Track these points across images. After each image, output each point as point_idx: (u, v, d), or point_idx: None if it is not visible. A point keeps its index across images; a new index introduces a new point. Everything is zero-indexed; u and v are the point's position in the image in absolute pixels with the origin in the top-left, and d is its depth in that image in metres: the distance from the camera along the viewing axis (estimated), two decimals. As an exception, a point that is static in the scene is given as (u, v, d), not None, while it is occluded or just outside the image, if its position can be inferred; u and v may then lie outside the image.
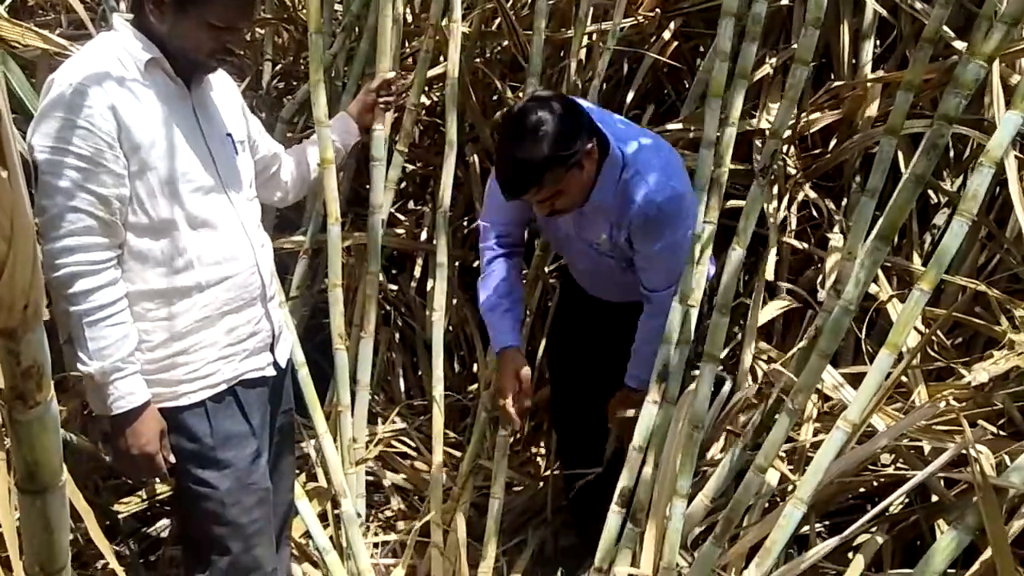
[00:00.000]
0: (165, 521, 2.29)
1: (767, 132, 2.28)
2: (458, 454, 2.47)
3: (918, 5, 2.34)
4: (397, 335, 2.89)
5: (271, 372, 1.74)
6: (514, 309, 2.06)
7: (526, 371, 2.01)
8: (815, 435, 1.84)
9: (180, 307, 1.57)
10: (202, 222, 1.58)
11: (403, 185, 3.15)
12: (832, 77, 2.51)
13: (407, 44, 2.86)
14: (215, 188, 1.61)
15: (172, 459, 1.57)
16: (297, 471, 2.21)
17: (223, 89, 1.75)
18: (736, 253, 1.74)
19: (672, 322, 1.79)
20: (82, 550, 2.05)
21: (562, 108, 1.74)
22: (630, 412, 1.92)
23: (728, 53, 1.80)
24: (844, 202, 2.43)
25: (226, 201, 1.64)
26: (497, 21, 2.86)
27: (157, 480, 2.17)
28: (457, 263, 2.90)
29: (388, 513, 2.37)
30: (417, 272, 2.93)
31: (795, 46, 2.40)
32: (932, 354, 1.96)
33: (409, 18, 2.90)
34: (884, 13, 2.44)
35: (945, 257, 1.46)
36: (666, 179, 1.83)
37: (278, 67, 3.03)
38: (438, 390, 2.29)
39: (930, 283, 1.47)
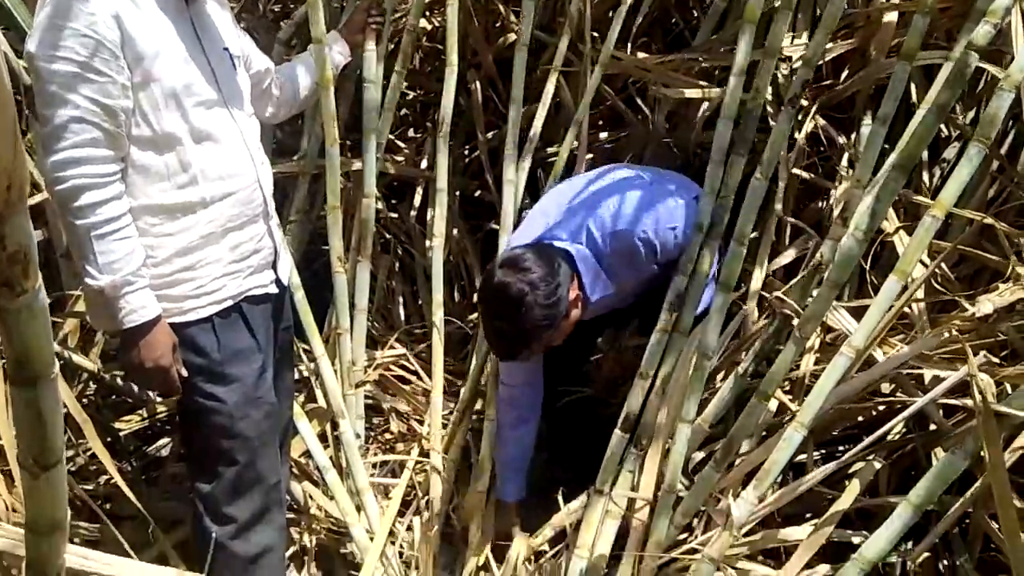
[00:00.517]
0: (166, 439, 2.30)
1: (792, 60, 2.23)
2: (457, 381, 2.47)
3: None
4: (397, 263, 2.87)
5: (274, 289, 1.74)
6: (522, 469, 2.07)
7: (515, 530, 2.00)
8: (816, 365, 1.83)
9: (185, 223, 1.55)
10: (205, 135, 1.55)
11: (403, 112, 3.09)
12: (847, 5, 2.43)
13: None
14: (217, 102, 1.59)
15: (184, 372, 1.57)
16: (297, 392, 2.21)
17: (215, 4, 1.71)
18: (758, 184, 1.71)
19: (688, 252, 1.79)
20: (84, 466, 2.07)
21: (539, 269, 1.67)
22: None
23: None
24: (854, 135, 2.38)
25: (228, 116, 1.62)
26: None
27: (159, 397, 2.17)
28: (457, 192, 2.86)
29: (387, 436, 2.38)
30: (417, 200, 2.89)
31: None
32: (937, 287, 1.94)
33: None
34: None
35: (959, 182, 1.43)
36: (634, 211, 1.80)
37: (275, -12, 2.95)
38: (438, 315, 2.28)
39: (942, 209, 1.45)
